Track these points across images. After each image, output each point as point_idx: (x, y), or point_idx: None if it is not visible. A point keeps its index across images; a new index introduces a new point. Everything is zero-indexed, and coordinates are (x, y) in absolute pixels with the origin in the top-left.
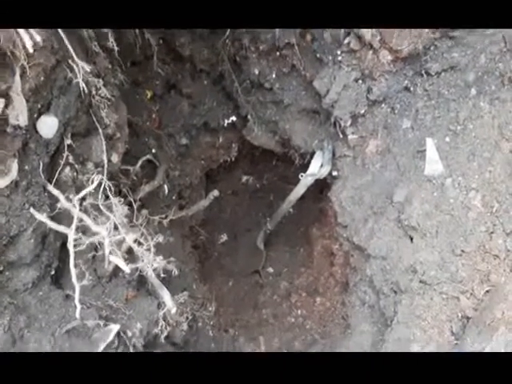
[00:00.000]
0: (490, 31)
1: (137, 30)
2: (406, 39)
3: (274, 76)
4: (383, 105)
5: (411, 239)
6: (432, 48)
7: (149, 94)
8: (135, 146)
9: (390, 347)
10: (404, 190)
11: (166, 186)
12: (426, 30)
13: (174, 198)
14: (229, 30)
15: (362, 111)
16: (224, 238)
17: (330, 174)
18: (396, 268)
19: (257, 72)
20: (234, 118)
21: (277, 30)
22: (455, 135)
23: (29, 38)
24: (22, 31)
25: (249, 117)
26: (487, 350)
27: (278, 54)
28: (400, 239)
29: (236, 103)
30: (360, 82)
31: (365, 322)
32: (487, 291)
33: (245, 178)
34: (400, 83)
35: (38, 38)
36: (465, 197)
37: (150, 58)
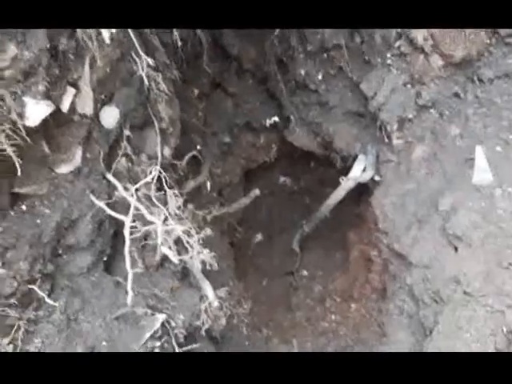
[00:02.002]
0: None
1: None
2: (460, 44)
3: (320, 77)
4: (432, 110)
5: (456, 249)
6: (486, 54)
7: (196, 91)
8: (182, 142)
9: None
10: (450, 199)
11: (208, 183)
12: (482, 34)
13: (215, 195)
14: (277, 30)
15: (410, 116)
16: (259, 237)
17: (372, 178)
18: (438, 278)
19: (303, 73)
20: (276, 119)
21: (326, 30)
22: (506, 144)
23: (106, 30)
24: None
25: (291, 117)
26: None
27: (325, 55)
28: (444, 248)
29: (279, 104)
30: (409, 86)
31: (402, 331)
32: None
33: (282, 179)
34: (450, 89)
35: (113, 30)
36: None
37: (199, 56)
